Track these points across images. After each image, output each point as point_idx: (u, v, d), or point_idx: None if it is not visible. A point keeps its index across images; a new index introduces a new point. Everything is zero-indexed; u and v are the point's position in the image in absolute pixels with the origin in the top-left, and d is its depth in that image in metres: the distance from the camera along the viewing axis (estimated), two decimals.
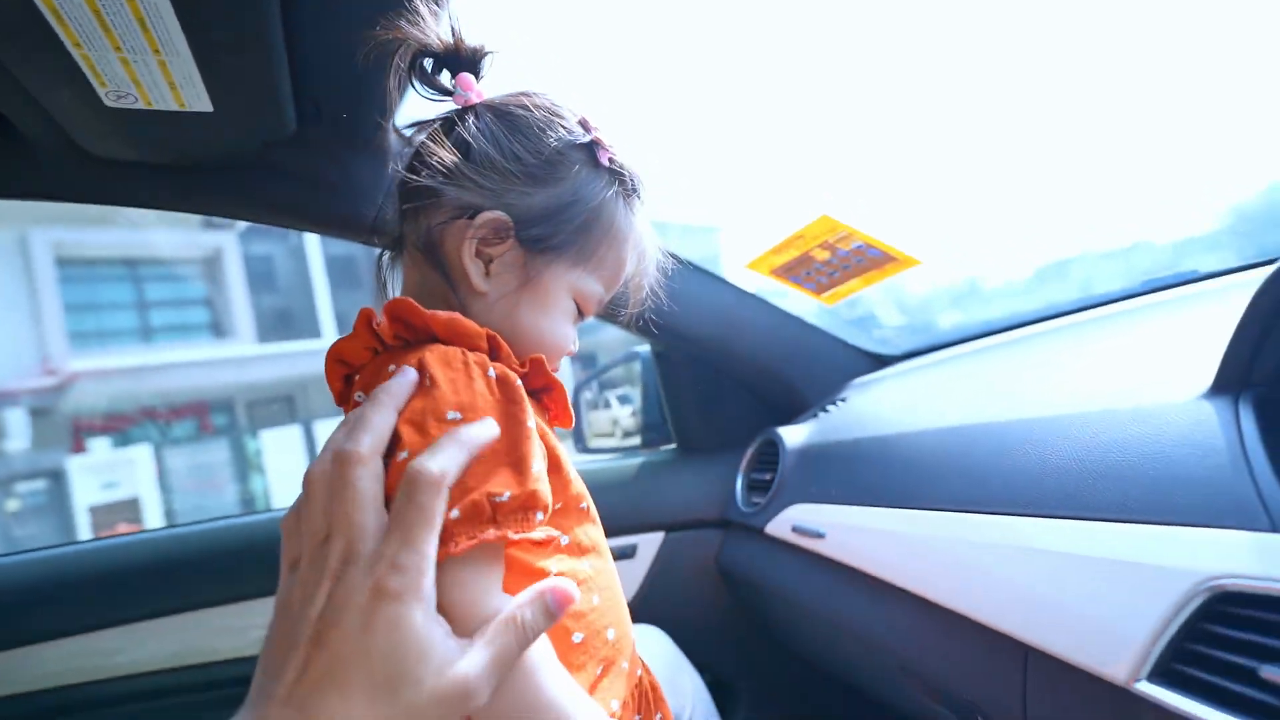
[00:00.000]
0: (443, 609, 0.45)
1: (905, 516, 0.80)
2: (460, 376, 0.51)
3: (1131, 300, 1.00)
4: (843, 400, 1.24)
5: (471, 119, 0.61)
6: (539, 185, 0.61)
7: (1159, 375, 0.68)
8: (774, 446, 1.21)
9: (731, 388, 1.36)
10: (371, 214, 0.98)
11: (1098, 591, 0.55)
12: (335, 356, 0.60)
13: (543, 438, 0.56)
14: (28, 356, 9.82)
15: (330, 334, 12.40)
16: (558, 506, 0.58)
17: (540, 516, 0.49)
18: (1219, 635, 0.47)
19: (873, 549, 0.85)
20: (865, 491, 0.90)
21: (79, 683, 1.08)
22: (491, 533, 0.46)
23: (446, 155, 0.59)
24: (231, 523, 1.24)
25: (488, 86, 0.64)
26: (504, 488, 0.47)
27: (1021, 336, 1.08)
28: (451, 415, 0.49)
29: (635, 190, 0.66)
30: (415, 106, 0.93)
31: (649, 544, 1.28)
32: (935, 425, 0.88)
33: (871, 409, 1.12)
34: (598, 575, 0.61)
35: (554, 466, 0.58)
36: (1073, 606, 0.57)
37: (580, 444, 1.55)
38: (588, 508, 0.62)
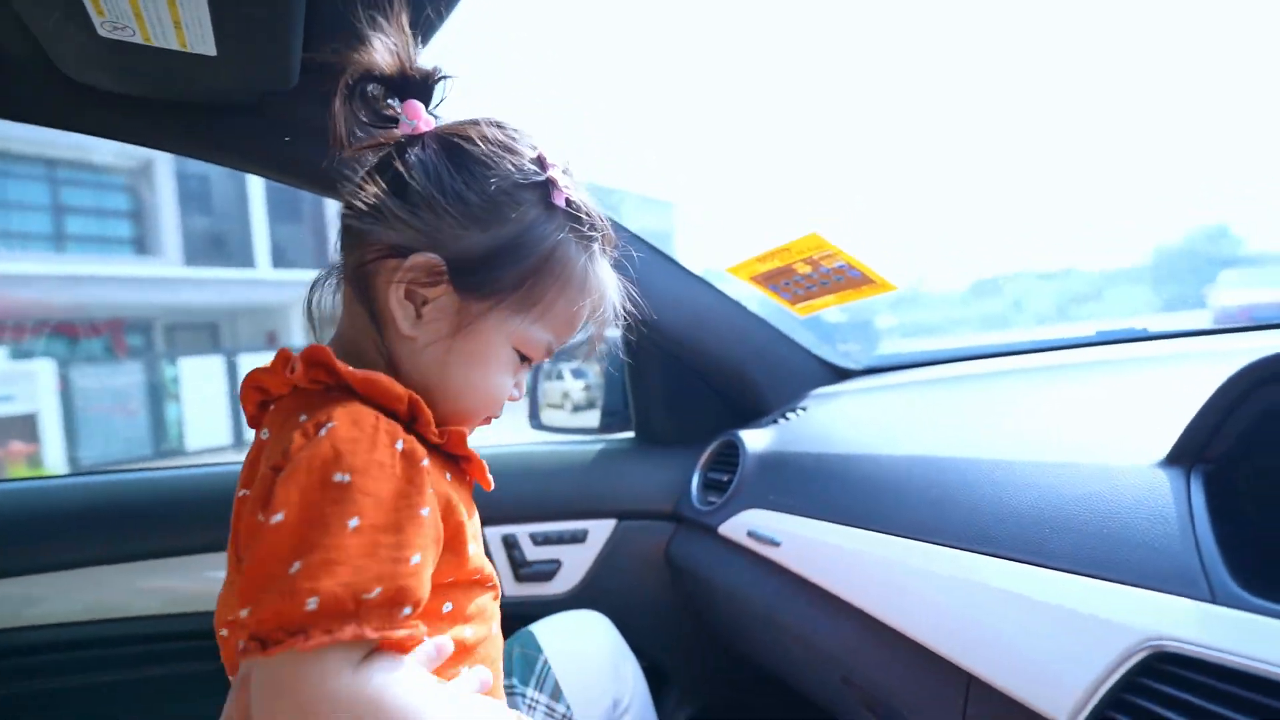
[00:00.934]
0: (298, 706, 0.43)
1: (864, 537, 0.84)
2: (364, 440, 0.48)
3: (1086, 350, 1.07)
4: (803, 409, 1.28)
5: (415, 151, 0.57)
6: (479, 227, 0.57)
7: (1115, 436, 0.73)
8: (734, 448, 1.24)
9: (695, 384, 1.38)
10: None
11: (1045, 635, 0.60)
12: (253, 384, 0.58)
13: (448, 512, 0.55)
14: None
15: (265, 264, 11.87)
16: (449, 581, 0.56)
17: (408, 611, 0.46)
18: (1156, 691, 0.51)
19: (828, 563, 0.89)
20: (825, 507, 0.94)
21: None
22: (350, 630, 0.43)
23: (378, 191, 0.56)
24: (164, 474, 1.20)
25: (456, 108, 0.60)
26: (375, 583, 0.44)
27: (982, 372, 1.13)
28: (339, 478, 0.46)
29: (594, 234, 0.61)
30: (436, 53, 0.90)
31: (600, 530, 1.30)
32: (900, 452, 0.92)
33: (834, 423, 1.16)
34: (479, 645, 0.59)
35: (454, 544, 0.56)
36: (1019, 645, 0.62)
37: (534, 419, 1.55)
38: (483, 578, 0.61)
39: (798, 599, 0.94)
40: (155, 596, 1.11)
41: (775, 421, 1.28)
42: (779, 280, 1.23)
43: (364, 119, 0.59)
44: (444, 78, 0.60)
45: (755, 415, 1.36)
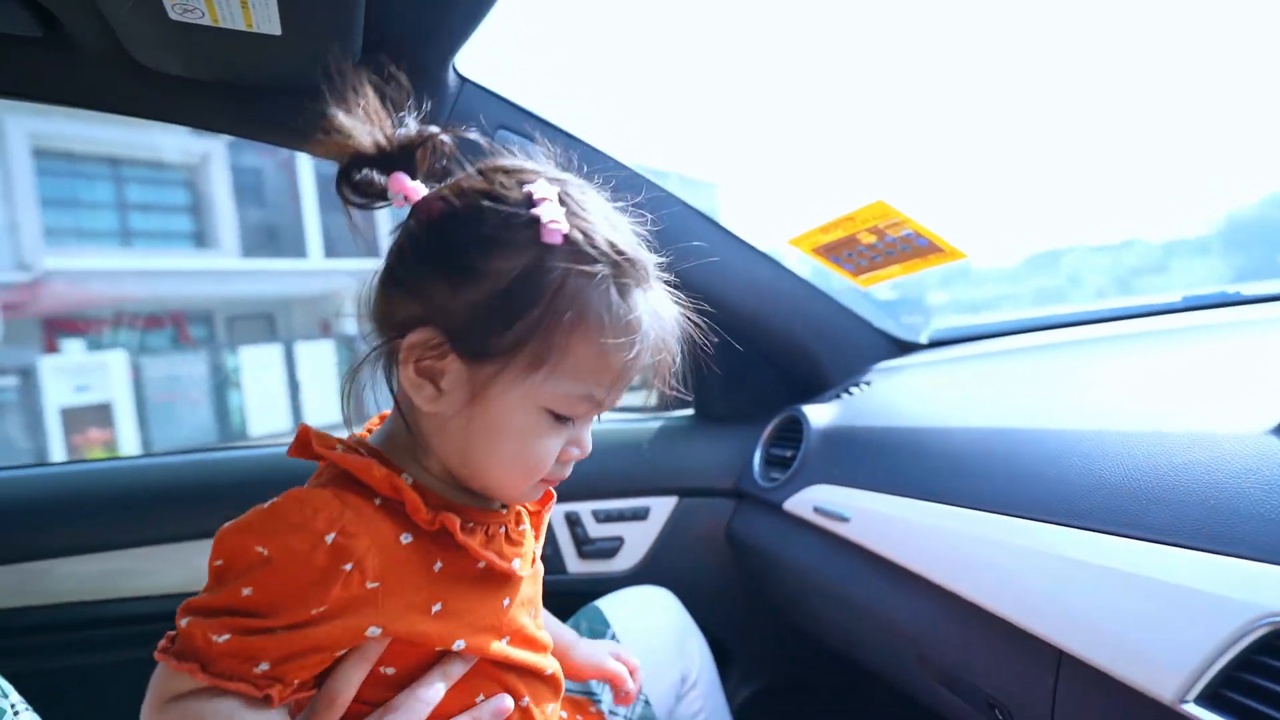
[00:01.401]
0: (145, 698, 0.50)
1: (940, 511, 0.82)
2: (287, 521, 0.50)
3: (1172, 316, 1.01)
4: (866, 383, 1.24)
5: (407, 223, 0.56)
6: (467, 286, 0.52)
7: (1211, 404, 0.69)
8: (796, 423, 1.22)
9: (754, 360, 1.36)
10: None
11: (1146, 610, 0.57)
12: None
13: (399, 607, 0.52)
14: (0, 250, 9.53)
15: (316, 254, 12.15)
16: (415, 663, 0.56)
17: (265, 666, 0.48)
18: (1273, 668, 0.48)
19: (901, 538, 0.86)
20: (896, 481, 0.91)
21: (94, 600, 1.08)
22: (188, 664, 0.47)
23: (377, 276, 0.57)
24: (247, 454, 1.24)
25: None
26: (225, 630, 0.47)
27: (1059, 341, 1.08)
28: (259, 549, 0.49)
29: (612, 265, 0.54)
30: (481, 44, 0.89)
31: (662, 507, 1.29)
32: (976, 424, 0.89)
33: (901, 397, 1.13)
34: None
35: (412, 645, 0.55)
36: (1117, 621, 0.59)
37: None
38: (497, 676, 0.60)
39: (868, 575, 0.92)
40: None
41: (838, 396, 1.25)
42: (841, 251, 1.19)
43: (359, 204, 0.57)
44: (427, 139, 0.56)
45: (816, 390, 1.33)
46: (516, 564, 0.60)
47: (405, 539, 0.53)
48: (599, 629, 0.98)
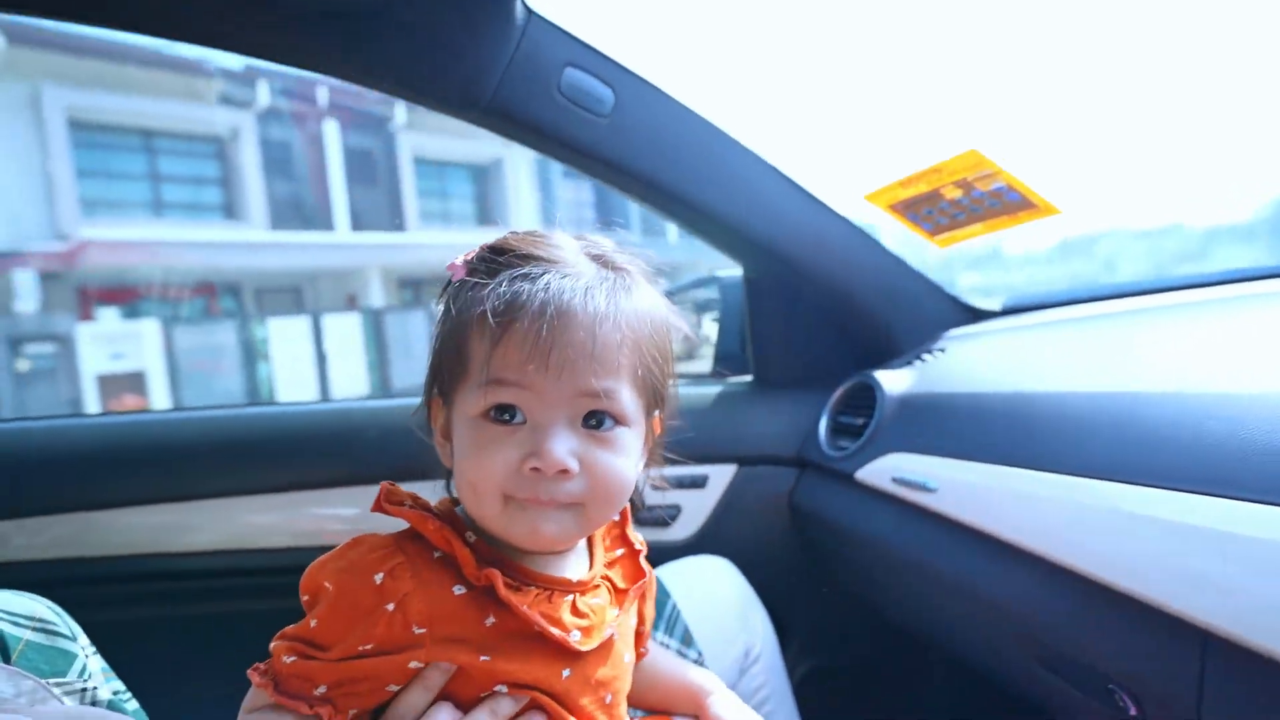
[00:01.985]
0: None
1: (1046, 479, 0.75)
2: (346, 561, 0.54)
3: (1243, 285, 0.93)
4: (940, 350, 1.17)
5: None
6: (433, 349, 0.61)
7: None
8: (866, 390, 1.15)
9: (818, 324, 1.30)
10: (487, 93, 0.90)
11: None
12: None
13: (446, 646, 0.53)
14: (38, 219, 9.66)
15: (344, 228, 12.18)
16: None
17: (323, 689, 0.53)
18: None
19: (1001, 509, 0.80)
20: (991, 449, 0.85)
21: (146, 554, 1.06)
22: (262, 679, 0.54)
23: None
24: (293, 409, 1.20)
25: None
26: (289, 653, 0.53)
27: (1143, 307, 1.01)
28: (326, 584, 0.54)
29: (503, 260, 0.56)
30: None
31: (721, 475, 1.24)
32: (1080, 388, 0.82)
33: (982, 363, 1.06)
34: None
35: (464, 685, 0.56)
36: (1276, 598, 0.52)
37: None
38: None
39: (958, 548, 0.86)
40: (277, 531, 1.12)
41: (909, 363, 1.18)
42: (921, 208, 1.12)
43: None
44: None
45: (884, 356, 1.26)
46: (575, 636, 0.56)
47: (458, 590, 0.55)
48: (659, 599, 0.93)
